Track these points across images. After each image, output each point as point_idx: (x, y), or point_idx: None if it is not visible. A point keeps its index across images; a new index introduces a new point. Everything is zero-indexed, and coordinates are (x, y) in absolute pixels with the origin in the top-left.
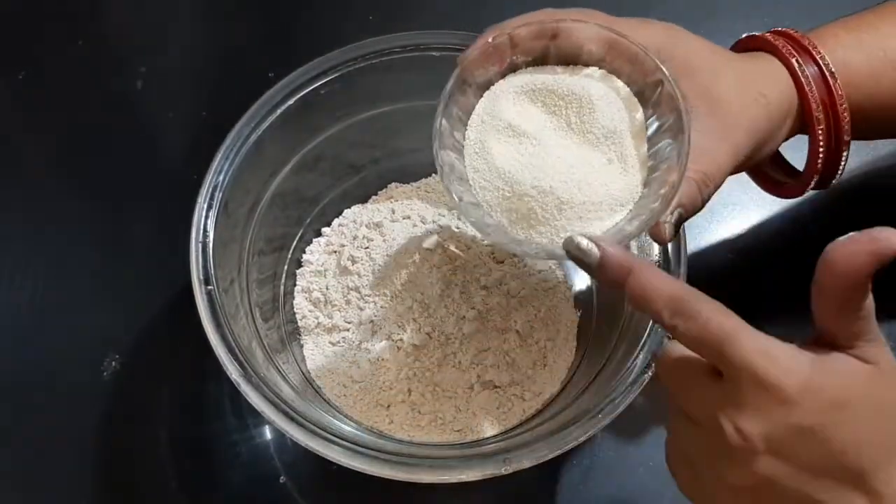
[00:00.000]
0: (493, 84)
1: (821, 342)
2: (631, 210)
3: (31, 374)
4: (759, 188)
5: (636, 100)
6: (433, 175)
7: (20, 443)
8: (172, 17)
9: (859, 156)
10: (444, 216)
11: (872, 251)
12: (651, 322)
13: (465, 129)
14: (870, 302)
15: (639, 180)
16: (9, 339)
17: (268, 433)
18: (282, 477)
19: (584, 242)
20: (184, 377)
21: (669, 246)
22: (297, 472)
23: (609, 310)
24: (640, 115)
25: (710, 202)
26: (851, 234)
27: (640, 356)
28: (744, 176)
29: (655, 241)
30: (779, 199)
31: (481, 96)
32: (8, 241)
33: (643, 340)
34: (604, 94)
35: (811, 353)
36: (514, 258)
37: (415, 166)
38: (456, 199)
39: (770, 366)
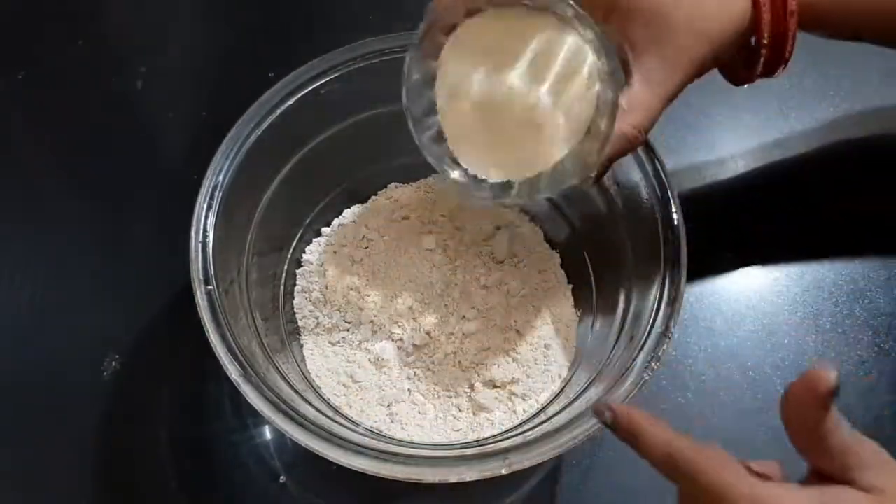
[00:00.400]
0: (459, 25)
1: (821, 477)
2: (573, 150)
3: (31, 374)
4: None
5: (589, 47)
6: (433, 175)
7: (20, 443)
8: (172, 17)
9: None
10: (444, 216)
11: (812, 392)
12: (649, 325)
13: (434, 65)
14: (847, 434)
15: (583, 124)
16: (9, 339)
17: (268, 433)
18: (282, 477)
19: (604, 413)
20: (184, 377)
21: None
22: (297, 472)
23: (609, 309)
24: (591, 60)
25: None
26: (793, 382)
27: (640, 356)
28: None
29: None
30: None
31: (448, 37)
32: (8, 241)
33: (643, 340)
34: (559, 40)
35: (812, 492)
36: (514, 258)
37: (415, 166)
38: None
39: None
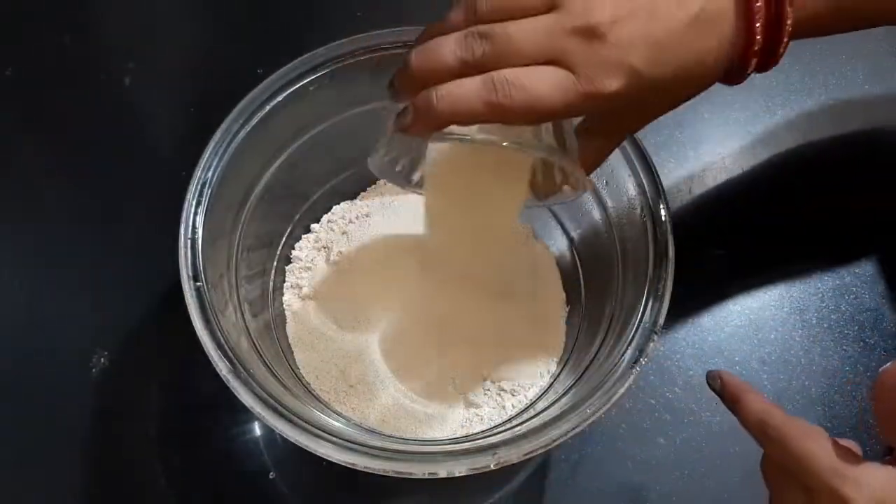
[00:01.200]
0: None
1: None
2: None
3: (19, 370)
4: None
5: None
6: None
7: (7, 440)
8: (161, 14)
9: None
10: None
11: None
12: (637, 320)
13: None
14: None
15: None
16: None
17: (257, 429)
18: (271, 473)
19: (716, 380)
20: (172, 373)
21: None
22: (287, 468)
23: (597, 308)
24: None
25: None
26: (885, 368)
27: (627, 353)
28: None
29: None
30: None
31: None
32: None
33: (630, 337)
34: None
35: (889, 468)
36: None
37: None
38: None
39: (842, 485)
